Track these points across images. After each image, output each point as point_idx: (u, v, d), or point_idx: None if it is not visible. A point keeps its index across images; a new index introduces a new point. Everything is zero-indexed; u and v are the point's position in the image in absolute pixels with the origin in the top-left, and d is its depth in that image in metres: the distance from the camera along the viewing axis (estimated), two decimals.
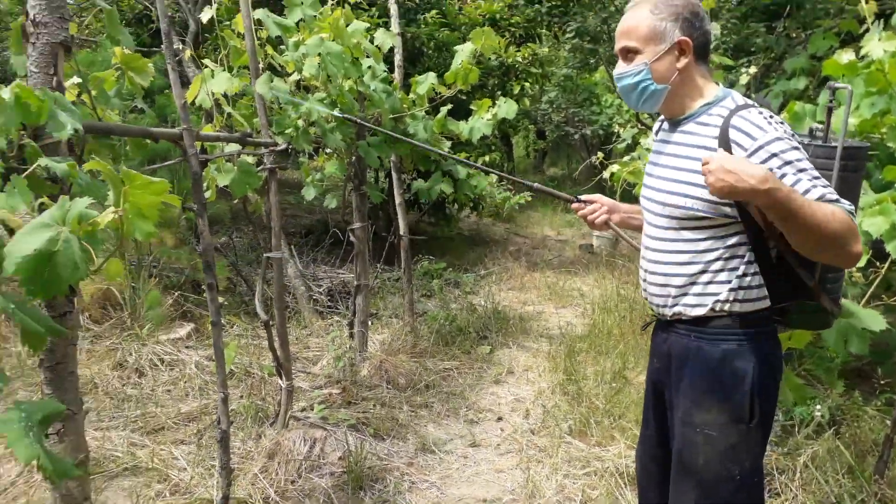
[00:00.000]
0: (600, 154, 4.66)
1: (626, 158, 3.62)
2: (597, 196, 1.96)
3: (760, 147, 1.47)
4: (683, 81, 1.61)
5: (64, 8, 1.56)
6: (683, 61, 1.59)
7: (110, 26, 1.85)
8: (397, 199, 4.57)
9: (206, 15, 3.10)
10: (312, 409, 3.29)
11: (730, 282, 1.59)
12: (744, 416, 1.60)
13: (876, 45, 2.36)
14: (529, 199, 8.73)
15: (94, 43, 2.36)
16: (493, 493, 2.88)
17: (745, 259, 1.58)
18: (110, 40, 1.86)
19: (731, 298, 1.59)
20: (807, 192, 1.43)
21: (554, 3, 8.02)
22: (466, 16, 8.13)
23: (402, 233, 4.55)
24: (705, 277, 1.61)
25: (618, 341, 4.49)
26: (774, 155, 1.46)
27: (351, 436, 3.13)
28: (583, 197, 1.97)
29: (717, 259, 1.59)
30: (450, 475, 3.02)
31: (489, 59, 7.55)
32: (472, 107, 4.25)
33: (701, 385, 1.65)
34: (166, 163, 2.24)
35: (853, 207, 1.45)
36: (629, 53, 1.63)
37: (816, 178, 1.46)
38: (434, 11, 7.36)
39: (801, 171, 1.45)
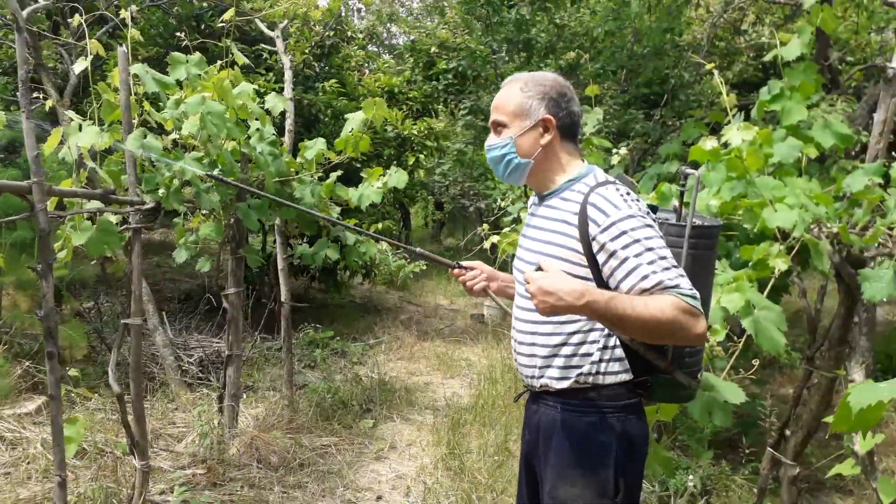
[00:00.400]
0: (486, 225, 4.75)
1: (506, 230, 3.70)
2: (477, 263, 1.96)
3: (612, 224, 1.50)
4: (547, 157, 1.66)
5: None
6: (547, 138, 1.64)
7: None
8: (280, 265, 4.42)
9: (80, 66, 2.94)
10: (173, 492, 3.01)
11: (591, 354, 1.61)
12: (608, 491, 1.59)
13: (735, 134, 2.56)
14: (424, 267, 8.76)
15: None
16: None
17: (605, 332, 1.60)
18: None
19: (592, 371, 1.60)
20: (644, 277, 1.47)
21: (450, 80, 8.33)
22: (365, 87, 8.28)
23: (283, 299, 4.39)
24: (567, 350, 1.62)
25: (502, 412, 4.47)
26: (624, 232, 1.49)
27: None
28: (464, 263, 1.97)
29: (578, 332, 1.61)
30: None
31: (385, 130, 7.69)
32: (362, 174, 4.25)
33: (566, 459, 1.64)
34: (10, 217, 2.04)
35: (693, 290, 1.46)
36: (498, 127, 1.70)
37: (662, 258, 1.48)
38: (333, 80, 7.44)
39: (648, 249, 1.48)
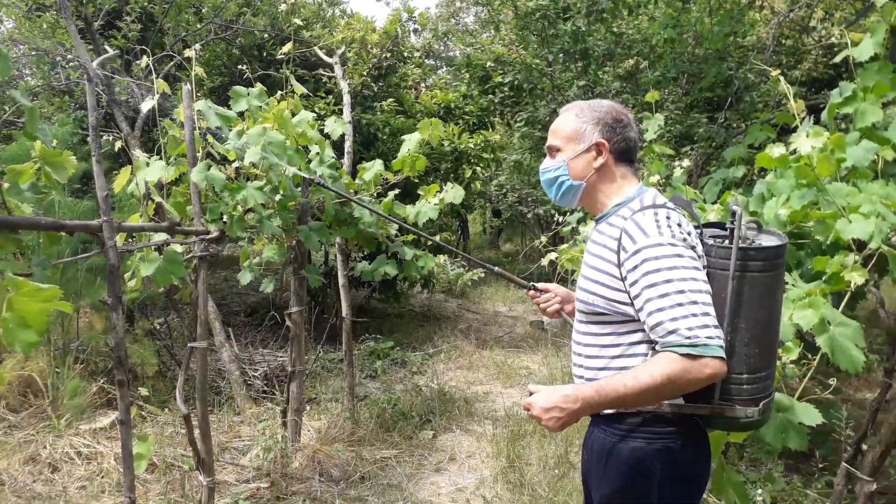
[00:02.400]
0: (544, 238, 4.72)
1: (563, 246, 3.66)
2: (552, 286, 2.04)
3: (638, 251, 1.52)
4: (600, 180, 1.71)
5: None
6: (600, 161, 1.69)
7: (29, 124, 1.80)
8: (341, 280, 4.51)
9: (147, 105, 3.08)
10: None
11: None
12: None
13: (804, 140, 2.45)
14: (482, 275, 8.77)
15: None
16: None
17: (647, 357, 1.59)
18: (27, 137, 1.80)
19: None
20: (650, 314, 1.48)
21: (506, 93, 8.31)
22: (422, 104, 8.36)
23: (344, 314, 4.47)
24: (609, 374, 1.62)
25: None
26: (646, 260, 1.50)
27: None
28: (539, 285, 2.05)
29: (620, 356, 1.62)
30: None
31: (441, 145, 7.74)
32: (419, 191, 4.29)
33: (611, 483, 1.65)
34: (82, 255, 2.15)
35: (693, 333, 1.42)
36: (553, 151, 1.76)
37: (679, 292, 1.45)
38: (391, 99, 7.55)
39: (667, 281, 1.47)
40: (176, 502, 3.09)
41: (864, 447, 2.84)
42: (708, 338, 1.43)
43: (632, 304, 1.56)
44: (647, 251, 1.50)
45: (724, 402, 1.56)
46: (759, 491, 3.17)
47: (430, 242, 7.31)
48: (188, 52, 2.98)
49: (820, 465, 3.51)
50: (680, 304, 1.45)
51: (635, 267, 1.51)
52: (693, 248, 1.54)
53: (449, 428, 4.58)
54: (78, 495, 3.23)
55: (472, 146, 8.03)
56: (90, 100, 2.03)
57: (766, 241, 1.64)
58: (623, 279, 1.56)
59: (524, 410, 1.58)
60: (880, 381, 2.89)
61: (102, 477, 3.38)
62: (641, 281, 1.50)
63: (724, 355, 1.44)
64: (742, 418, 1.56)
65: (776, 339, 1.63)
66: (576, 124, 1.70)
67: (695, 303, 1.45)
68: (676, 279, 1.46)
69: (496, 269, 2.17)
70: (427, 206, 4.17)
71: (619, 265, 1.56)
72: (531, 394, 1.57)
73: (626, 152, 1.70)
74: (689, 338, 1.43)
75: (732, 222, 1.57)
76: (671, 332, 1.45)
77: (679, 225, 1.55)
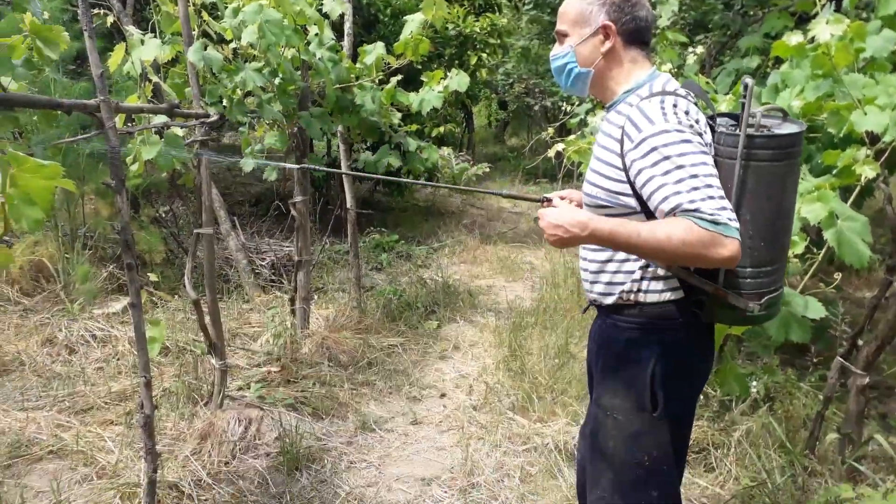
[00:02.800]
0: (551, 129, 4.63)
1: (570, 137, 3.58)
2: (566, 192, 1.92)
3: (644, 140, 1.46)
4: (608, 65, 1.62)
5: None
6: (608, 45, 1.60)
7: None
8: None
9: None
10: (249, 388, 3.23)
11: (633, 272, 1.60)
12: (645, 404, 1.62)
13: (824, 28, 2.33)
14: (487, 169, 8.67)
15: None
16: (431, 471, 2.87)
17: None
18: (17, 9, 1.72)
19: (634, 289, 1.60)
20: (665, 199, 1.43)
21: None
22: None
23: (349, 206, 4.46)
24: (612, 266, 1.63)
25: (563, 316, 4.52)
26: (654, 149, 1.45)
27: (288, 416, 3.08)
28: (551, 195, 1.96)
29: None
30: (389, 454, 3.00)
31: (446, 28, 7.42)
32: (423, 77, 4.16)
33: (609, 370, 1.70)
34: (81, 136, 2.11)
35: (716, 214, 1.38)
36: (561, 36, 1.67)
37: (693, 176, 1.41)
38: None
39: (678, 167, 1.42)
40: (190, 384, 3.21)
41: (860, 343, 2.91)
42: (729, 219, 1.39)
43: (634, 196, 1.53)
44: (653, 139, 1.45)
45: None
46: (754, 382, 3.27)
47: (433, 133, 7.22)
48: None
49: (815, 360, 3.60)
50: (696, 188, 1.40)
51: (643, 156, 1.46)
52: (701, 135, 1.49)
53: (453, 319, 4.69)
54: (96, 375, 3.36)
55: (478, 30, 7.72)
56: None
57: (783, 129, 1.55)
58: (626, 169, 1.52)
59: (535, 221, 1.58)
60: (881, 279, 2.91)
61: (118, 359, 3.50)
62: (649, 169, 1.45)
63: (740, 240, 1.40)
64: (744, 309, 1.53)
65: (785, 233, 1.58)
66: (581, 6, 1.61)
67: (710, 186, 1.41)
68: (688, 164, 1.41)
69: (504, 191, 2.11)
70: (431, 94, 4.06)
71: (623, 155, 1.52)
72: (548, 204, 1.58)
73: (636, 33, 1.60)
74: (711, 214, 1.38)
75: (744, 98, 1.49)
76: (693, 210, 1.39)
77: (686, 112, 1.49)
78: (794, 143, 1.51)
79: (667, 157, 1.43)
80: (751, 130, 1.48)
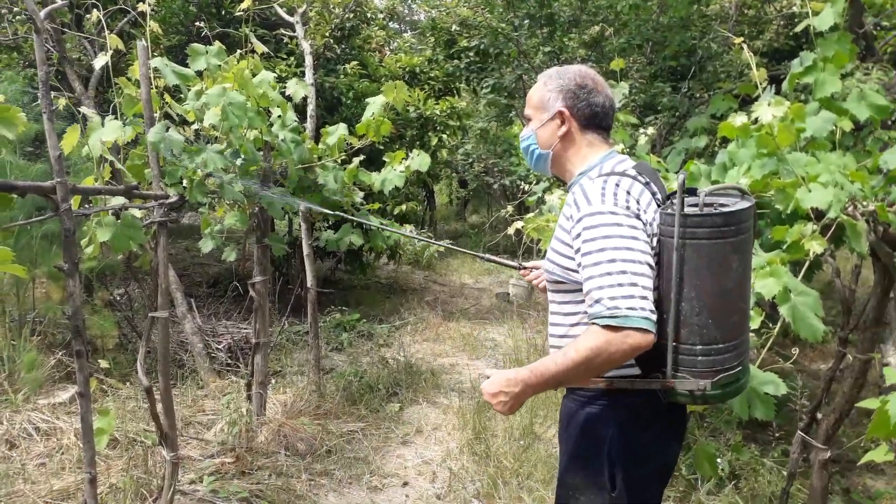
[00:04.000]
0: (510, 207, 4.71)
1: (529, 215, 3.65)
2: (541, 262, 1.98)
3: (580, 219, 1.53)
4: (565, 148, 1.71)
5: None
6: (563, 129, 1.69)
7: None
8: (305, 250, 4.44)
9: (100, 61, 2.94)
10: (202, 482, 3.06)
11: None
12: (603, 482, 1.60)
13: (766, 109, 2.45)
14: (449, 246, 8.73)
15: None
16: None
17: None
18: None
19: None
20: (586, 280, 1.49)
21: (472, 59, 8.21)
22: (386, 68, 8.20)
23: (309, 285, 4.40)
24: (568, 340, 1.62)
25: None
26: (585, 228, 1.51)
27: None
28: (527, 264, 2.12)
29: (578, 323, 1.62)
30: None
31: (407, 111, 7.62)
32: (385, 158, 4.22)
33: (569, 448, 1.69)
34: (35, 219, 2.05)
35: (614, 304, 1.41)
36: (526, 119, 1.80)
37: (611, 261, 1.45)
38: (354, 63, 7.39)
39: (600, 250, 1.47)
40: (139, 479, 3.02)
41: (819, 416, 2.93)
42: (629, 308, 1.41)
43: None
44: (587, 219, 1.51)
45: (679, 373, 1.52)
46: (719, 460, 3.25)
47: (395, 211, 7.28)
48: (142, 6, 2.85)
49: (776, 435, 3.62)
50: (609, 274, 1.45)
51: (578, 235, 1.53)
52: (638, 216, 1.52)
53: (415, 400, 4.58)
54: (37, 472, 3.14)
55: (438, 112, 7.95)
56: (39, 53, 1.92)
57: (730, 207, 1.55)
58: (572, 246, 1.57)
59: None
60: (834, 351, 2.97)
61: (62, 453, 3.29)
62: (581, 248, 1.51)
63: (647, 327, 1.42)
64: (694, 390, 1.50)
65: (737, 310, 1.55)
66: (542, 93, 1.72)
67: (623, 272, 1.44)
68: (610, 248, 1.46)
69: (486, 255, 2.20)
70: (393, 174, 4.10)
71: (569, 232, 1.58)
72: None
73: (591, 118, 1.69)
74: (609, 308, 1.42)
75: (686, 190, 1.53)
76: (596, 302, 1.45)
77: (628, 192, 1.53)
78: (733, 222, 1.50)
79: (593, 239, 1.49)
80: (693, 210, 1.50)
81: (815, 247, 2.22)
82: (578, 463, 1.66)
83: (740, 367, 1.56)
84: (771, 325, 2.40)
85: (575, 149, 1.71)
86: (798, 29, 2.77)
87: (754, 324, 2.30)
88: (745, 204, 1.55)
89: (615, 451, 1.59)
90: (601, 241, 1.47)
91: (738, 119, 2.61)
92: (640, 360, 1.55)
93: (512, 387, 1.53)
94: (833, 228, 2.30)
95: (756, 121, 2.52)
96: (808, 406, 3.15)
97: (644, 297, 1.44)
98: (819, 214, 2.29)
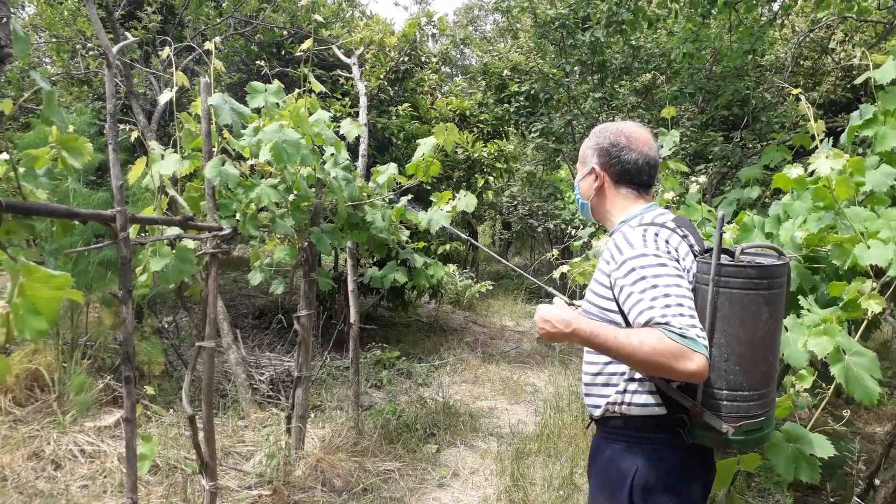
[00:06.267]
0: (556, 251, 4.69)
1: (575, 259, 3.62)
2: (581, 302, 2.06)
3: (625, 261, 1.60)
4: (601, 201, 1.86)
5: None
6: (597, 184, 1.84)
7: (47, 108, 1.79)
8: (350, 286, 4.48)
9: (165, 97, 3.07)
10: None
11: (617, 385, 1.70)
12: None
13: (823, 162, 2.41)
14: (490, 287, 8.70)
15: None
16: None
17: None
18: (45, 122, 1.80)
19: (619, 401, 1.68)
20: (640, 312, 1.52)
21: (522, 103, 8.31)
22: (437, 111, 8.36)
23: (352, 321, 4.43)
24: (601, 379, 1.73)
25: (568, 443, 4.36)
26: (633, 270, 1.58)
27: None
28: (576, 303, 2.16)
29: (610, 362, 1.71)
30: None
31: (455, 152, 7.72)
32: (432, 198, 4.27)
33: (595, 482, 1.78)
34: (94, 246, 2.13)
35: (684, 329, 1.46)
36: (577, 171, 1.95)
37: (665, 295, 1.51)
38: (407, 104, 7.56)
39: (653, 287, 1.53)
40: None
41: (877, 482, 2.78)
42: (697, 335, 1.47)
43: (620, 313, 1.64)
44: (633, 261, 1.58)
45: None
46: None
47: (439, 251, 7.32)
48: (208, 45, 2.97)
49: (831, 500, 3.43)
50: (668, 305, 1.50)
51: (624, 275, 1.59)
52: (678, 261, 1.61)
53: (453, 442, 4.53)
54: (80, 494, 3.19)
55: (486, 155, 8.03)
56: (109, 87, 2.02)
57: (764, 261, 1.64)
58: (611, 287, 1.65)
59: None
60: (892, 413, 2.83)
61: (105, 476, 3.35)
62: (629, 287, 1.57)
63: (708, 357, 1.48)
64: (719, 430, 1.57)
65: (765, 362, 1.60)
66: (584, 148, 1.88)
67: (681, 304, 1.51)
68: (662, 285, 1.53)
69: (550, 288, 2.28)
70: (439, 214, 4.14)
71: (609, 275, 1.66)
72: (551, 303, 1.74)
73: (623, 174, 1.80)
74: (680, 328, 1.46)
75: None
76: (664, 324, 1.48)
77: (667, 241, 1.63)
78: (766, 276, 1.58)
79: (643, 278, 1.55)
80: (727, 259, 1.59)
81: (874, 306, 2.15)
82: (603, 496, 1.72)
83: (765, 418, 1.62)
84: (824, 385, 2.31)
85: (610, 201, 1.83)
86: (858, 81, 2.72)
87: (807, 383, 2.23)
88: (780, 261, 1.64)
89: (637, 488, 1.64)
90: (651, 279, 1.54)
91: (795, 171, 2.57)
92: (665, 398, 1.63)
93: (562, 326, 1.59)
94: (893, 287, 2.21)
95: (812, 173, 2.46)
96: (865, 471, 2.99)
97: (702, 329, 1.50)
98: (878, 272, 2.21)
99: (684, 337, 1.45)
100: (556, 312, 1.62)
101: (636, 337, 1.49)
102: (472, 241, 2.83)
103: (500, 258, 2.46)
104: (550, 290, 2.32)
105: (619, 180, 1.81)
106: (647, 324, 1.50)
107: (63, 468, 3.39)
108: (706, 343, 1.49)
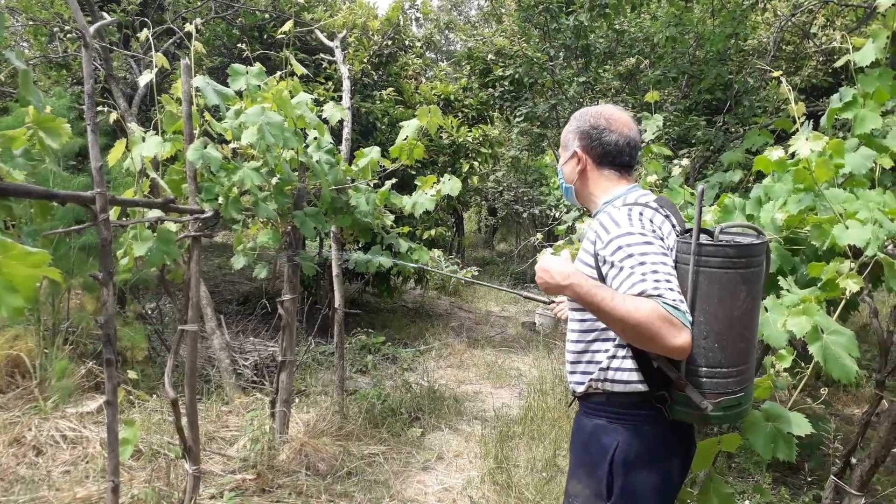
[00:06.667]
0: (540, 235, 4.70)
1: (559, 242, 3.63)
2: None
3: (612, 240, 1.62)
4: (584, 184, 1.88)
5: None
6: (579, 167, 1.87)
7: (23, 87, 1.76)
8: (334, 271, 4.46)
9: (145, 79, 3.03)
10: (222, 497, 3.05)
11: (601, 362, 1.73)
12: (602, 491, 1.70)
13: (803, 144, 2.42)
14: (476, 273, 8.72)
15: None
16: None
17: (616, 342, 1.70)
18: (21, 102, 1.77)
19: (602, 378, 1.72)
20: (632, 285, 1.55)
21: (507, 88, 8.29)
22: (422, 95, 8.32)
23: (337, 306, 4.43)
24: (586, 356, 1.77)
25: (551, 426, 4.40)
26: (620, 247, 1.60)
27: None
28: (556, 299, 2.27)
29: (595, 340, 1.75)
30: None
31: (440, 137, 7.69)
32: (416, 182, 4.25)
33: (576, 456, 1.82)
34: (74, 227, 2.10)
35: (676, 303, 1.50)
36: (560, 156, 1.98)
37: (654, 271, 1.54)
38: (391, 89, 7.51)
39: (641, 263, 1.56)
40: (161, 490, 3.04)
41: (853, 461, 2.83)
42: (685, 311, 1.52)
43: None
44: (619, 239, 1.61)
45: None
46: (747, 502, 3.16)
47: (424, 236, 7.31)
48: (189, 27, 2.93)
49: (808, 479, 3.50)
50: (657, 280, 1.53)
51: (612, 253, 1.61)
52: (662, 239, 1.65)
53: (437, 426, 4.55)
54: (62, 479, 3.17)
55: (471, 140, 8.01)
56: (86, 67, 1.99)
57: (742, 240, 1.67)
58: (597, 267, 1.67)
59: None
60: (870, 395, 2.88)
61: (87, 462, 3.33)
62: (618, 263, 1.59)
63: (691, 332, 1.52)
64: (699, 405, 1.60)
65: (743, 339, 1.64)
66: (565, 132, 1.91)
67: (669, 280, 1.54)
68: (649, 262, 1.56)
69: (524, 293, 2.28)
70: (424, 198, 4.13)
71: (595, 254, 1.68)
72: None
73: (605, 156, 1.83)
74: (672, 301, 1.50)
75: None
76: (657, 296, 1.51)
77: (651, 220, 1.66)
78: (744, 254, 1.61)
79: (631, 255, 1.58)
80: (707, 239, 1.62)
81: (851, 285, 2.17)
82: (583, 471, 1.76)
83: (743, 394, 1.65)
84: (803, 364, 2.34)
85: (593, 183, 1.86)
86: (838, 64, 2.74)
87: (786, 363, 2.26)
88: (758, 240, 1.67)
89: (617, 462, 1.68)
90: (639, 256, 1.57)
91: (775, 153, 2.58)
92: (647, 375, 1.66)
93: (561, 277, 1.62)
94: (871, 267, 2.24)
95: (793, 155, 2.48)
96: (842, 450, 3.04)
97: (687, 307, 1.55)
98: (857, 252, 2.24)
99: (676, 309, 1.49)
100: (557, 265, 1.65)
101: (631, 303, 1.51)
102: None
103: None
104: (527, 295, 2.40)
105: (600, 162, 1.84)
106: (638, 296, 1.53)
107: (45, 454, 3.37)
108: (690, 318, 1.53)
